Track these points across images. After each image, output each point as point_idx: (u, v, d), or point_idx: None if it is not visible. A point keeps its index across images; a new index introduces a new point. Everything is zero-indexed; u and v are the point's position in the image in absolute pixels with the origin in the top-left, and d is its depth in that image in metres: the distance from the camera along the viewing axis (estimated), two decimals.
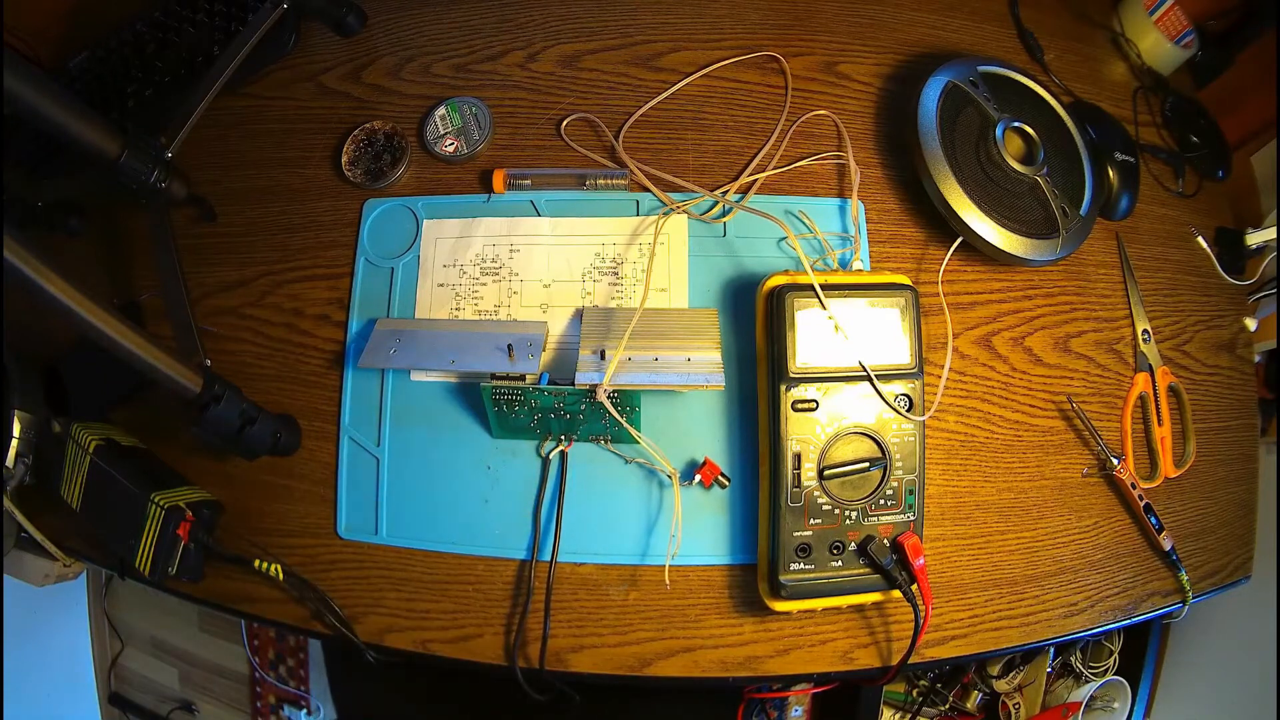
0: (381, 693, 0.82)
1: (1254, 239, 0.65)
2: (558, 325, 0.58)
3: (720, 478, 0.54)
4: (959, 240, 0.58)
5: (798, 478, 0.49)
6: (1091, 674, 0.75)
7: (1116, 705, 0.74)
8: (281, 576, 0.55)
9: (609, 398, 0.51)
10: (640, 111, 0.63)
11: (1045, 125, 0.60)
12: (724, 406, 0.56)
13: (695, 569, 0.54)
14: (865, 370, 0.50)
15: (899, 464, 0.50)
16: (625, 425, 0.52)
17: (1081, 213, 0.59)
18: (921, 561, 0.49)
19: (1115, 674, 0.75)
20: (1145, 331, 0.62)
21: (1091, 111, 0.66)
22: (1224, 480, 0.62)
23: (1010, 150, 0.58)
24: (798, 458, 0.49)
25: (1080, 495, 0.58)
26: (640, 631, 0.53)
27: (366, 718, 0.88)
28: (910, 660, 0.50)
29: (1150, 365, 0.61)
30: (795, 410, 0.50)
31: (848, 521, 0.50)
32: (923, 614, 0.49)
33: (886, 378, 0.51)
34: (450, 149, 0.63)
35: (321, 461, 0.58)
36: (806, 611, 0.52)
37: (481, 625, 0.54)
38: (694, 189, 0.60)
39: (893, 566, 0.49)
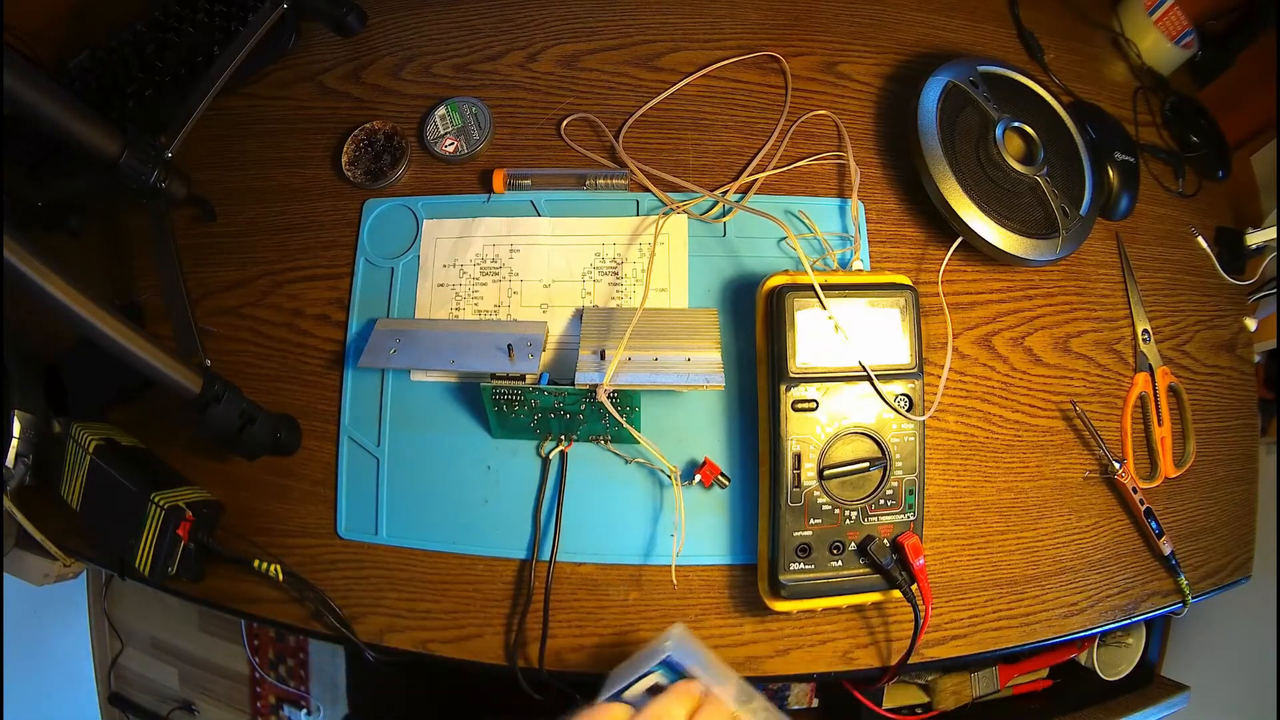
0: (403, 698, 0.82)
1: (1254, 239, 0.65)
2: (558, 325, 0.58)
3: (720, 478, 0.54)
4: (959, 240, 0.58)
5: (798, 478, 0.49)
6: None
7: (1130, 641, 0.75)
8: (281, 576, 0.55)
9: (609, 398, 0.51)
10: (640, 111, 0.63)
11: (1045, 125, 0.60)
12: (724, 406, 0.56)
13: (695, 569, 0.54)
14: (865, 370, 0.50)
15: (899, 464, 0.50)
16: (625, 425, 0.52)
17: (1081, 213, 0.59)
18: (921, 561, 0.49)
19: None
20: (1145, 331, 0.62)
21: (1091, 111, 0.66)
22: (1224, 480, 0.62)
23: (1010, 150, 0.58)
24: (798, 458, 0.49)
25: (1080, 495, 0.58)
26: (640, 631, 0.53)
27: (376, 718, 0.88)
28: (910, 660, 0.50)
29: (1150, 365, 0.61)
30: (795, 410, 0.50)
31: (848, 521, 0.50)
32: (923, 614, 0.49)
33: (886, 378, 0.51)
34: (450, 149, 0.63)
35: (321, 461, 0.58)
36: (806, 611, 0.52)
37: (481, 625, 0.54)
38: (694, 189, 0.60)
39: (893, 566, 0.49)
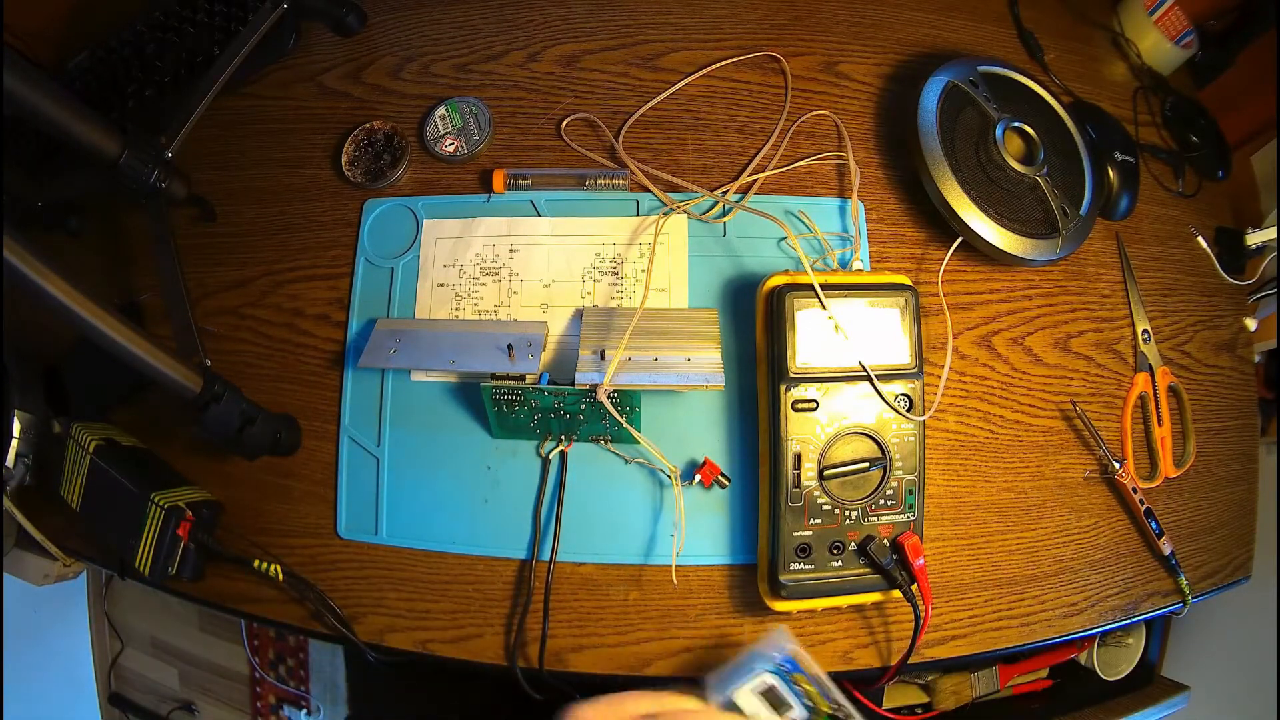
0: (404, 698, 0.82)
1: (1254, 239, 0.65)
2: (558, 325, 0.58)
3: (720, 478, 0.54)
4: (959, 240, 0.58)
5: (798, 478, 0.49)
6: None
7: (1130, 641, 0.75)
8: (281, 577, 0.55)
9: (609, 398, 0.51)
10: (640, 111, 0.63)
11: (1045, 125, 0.60)
12: (724, 406, 0.56)
13: (695, 569, 0.54)
14: (865, 370, 0.50)
15: (899, 464, 0.50)
16: (625, 425, 0.52)
17: (1081, 213, 0.59)
18: (921, 561, 0.49)
19: None
20: (1145, 331, 0.62)
21: (1091, 111, 0.66)
22: (1224, 480, 0.62)
23: (1010, 150, 0.58)
24: (798, 458, 0.49)
25: (1080, 495, 0.58)
26: (640, 631, 0.53)
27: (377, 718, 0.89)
28: (910, 660, 0.50)
29: (1150, 365, 0.61)
30: (795, 410, 0.50)
31: (848, 521, 0.50)
32: (923, 614, 0.49)
33: (886, 378, 0.51)
34: (450, 149, 0.63)
35: (321, 461, 0.58)
36: (806, 611, 0.52)
37: (481, 625, 0.54)
38: (694, 189, 0.60)
39: (893, 566, 0.49)
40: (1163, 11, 0.68)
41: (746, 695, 0.46)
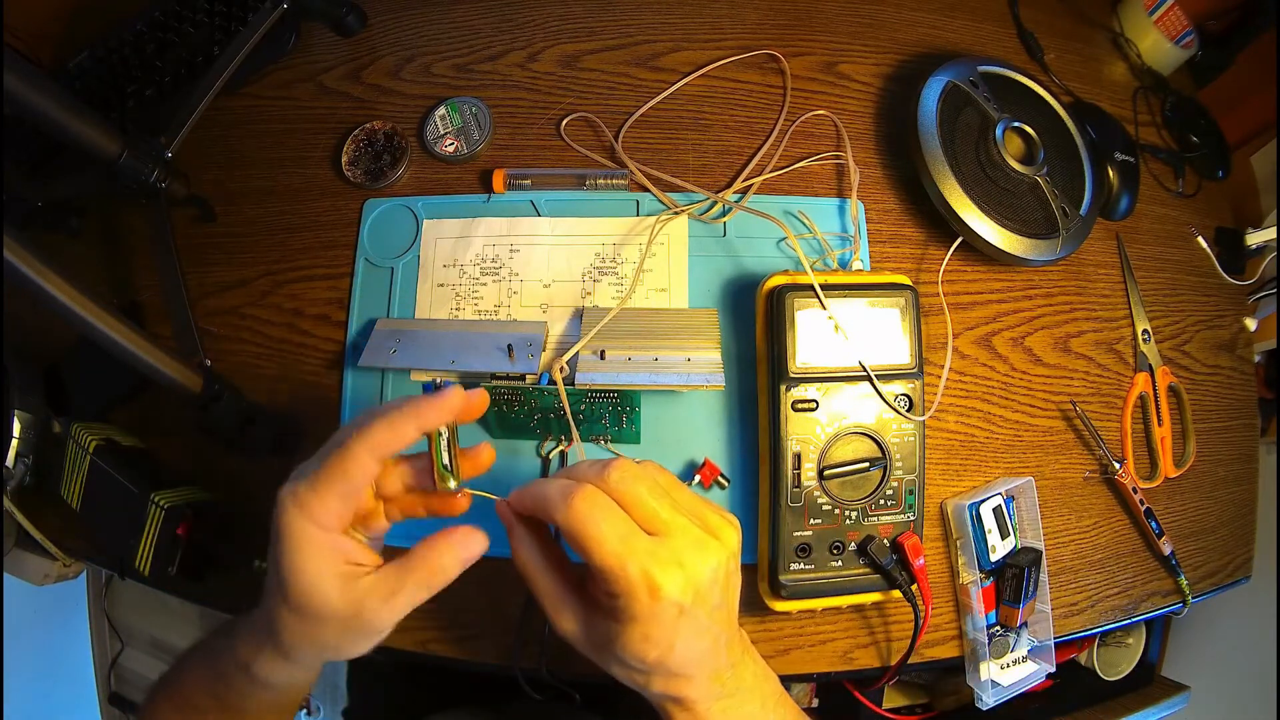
0: (403, 696, 0.83)
1: (1254, 239, 0.65)
2: (558, 325, 0.58)
3: (720, 478, 0.54)
4: (959, 240, 0.58)
5: (798, 478, 0.49)
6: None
7: (1130, 641, 0.75)
8: None
9: (606, 394, 0.51)
10: (640, 111, 0.63)
11: (1045, 125, 0.60)
12: (724, 406, 0.56)
13: None
14: (865, 370, 0.50)
15: (899, 464, 0.50)
16: (568, 412, 0.52)
17: (1081, 213, 0.59)
18: (921, 561, 0.49)
19: None
20: (1145, 331, 0.62)
21: (1091, 111, 0.66)
22: (1224, 480, 0.62)
23: (1010, 150, 0.58)
24: (798, 458, 0.49)
25: (1080, 496, 0.58)
26: None
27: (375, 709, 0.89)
28: (910, 660, 0.50)
29: (1150, 365, 0.61)
30: (795, 410, 0.50)
31: (848, 521, 0.50)
32: (923, 614, 0.49)
33: (886, 378, 0.51)
34: (450, 149, 0.63)
35: None
36: (806, 611, 0.52)
37: (482, 625, 0.54)
38: (694, 189, 0.60)
39: (893, 566, 0.49)
40: (1163, 11, 0.68)
41: None
